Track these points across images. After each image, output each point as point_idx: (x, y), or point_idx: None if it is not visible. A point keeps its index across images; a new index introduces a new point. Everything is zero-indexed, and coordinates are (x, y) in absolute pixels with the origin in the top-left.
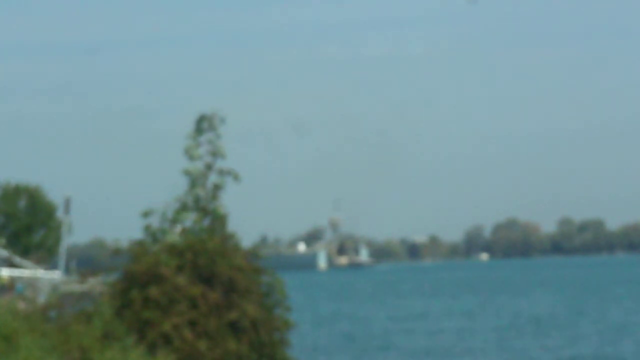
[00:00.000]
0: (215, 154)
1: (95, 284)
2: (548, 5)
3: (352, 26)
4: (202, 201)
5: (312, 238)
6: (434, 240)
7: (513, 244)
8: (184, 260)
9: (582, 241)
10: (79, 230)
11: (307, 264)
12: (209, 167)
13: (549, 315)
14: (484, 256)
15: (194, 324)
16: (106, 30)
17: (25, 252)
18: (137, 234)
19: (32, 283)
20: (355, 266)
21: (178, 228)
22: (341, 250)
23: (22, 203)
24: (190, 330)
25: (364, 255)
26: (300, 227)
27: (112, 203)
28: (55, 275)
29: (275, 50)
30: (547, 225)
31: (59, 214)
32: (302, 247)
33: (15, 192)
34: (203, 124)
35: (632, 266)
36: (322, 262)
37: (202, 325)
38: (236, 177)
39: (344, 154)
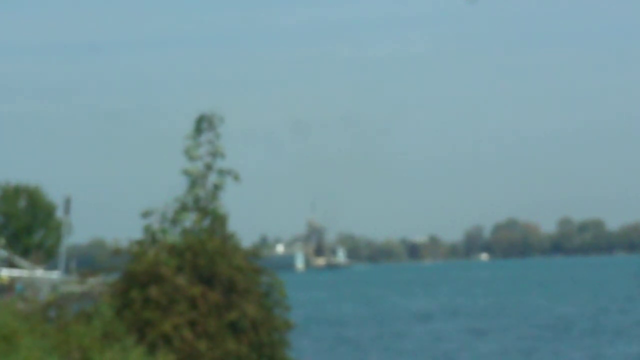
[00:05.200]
0: (215, 153)
1: (95, 284)
2: (548, 5)
3: (353, 26)
4: (202, 201)
5: (311, 238)
6: (434, 241)
7: (513, 244)
8: (184, 261)
9: (582, 241)
10: (79, 230)
11: (284, 264)
12: (208, 167)
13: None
14: (484, 256)
15: (194, 324)
16: (107, 31)
17: (25, 252)
18: (137, 234)
19: (31, 283)
20: (332, 267)
21: (177, 230)
22: (319, 251)
23: (22, 203)
24: (190, 331)
25: (341, 256)
26: (301, 228)
27: (112, 203)
28: (55, 275)
29: (276, 50)
30: (547, 226)
31: (59, 214)
32: (280, 248)
33: (15, 192)
34: (202, 124)
35: (633, 266)
36: (299, 263)
37: (202, 326)
38: (236, 177)
39: (344, 154)
